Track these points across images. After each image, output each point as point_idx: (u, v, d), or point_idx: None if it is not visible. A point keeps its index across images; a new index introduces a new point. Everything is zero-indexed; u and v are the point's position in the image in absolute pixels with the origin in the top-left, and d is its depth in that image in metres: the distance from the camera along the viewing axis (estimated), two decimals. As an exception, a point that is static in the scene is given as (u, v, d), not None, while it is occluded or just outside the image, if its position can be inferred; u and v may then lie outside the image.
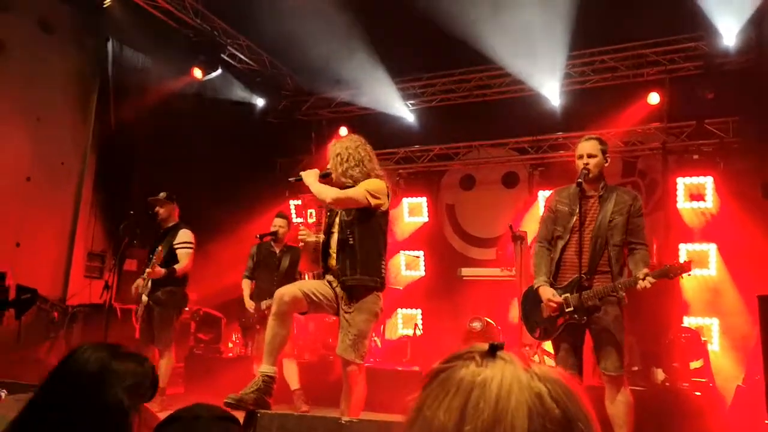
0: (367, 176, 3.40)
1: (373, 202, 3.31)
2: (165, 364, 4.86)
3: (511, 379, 0.61)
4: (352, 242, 3.31)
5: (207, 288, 6.75)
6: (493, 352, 0.65)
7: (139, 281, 4.97)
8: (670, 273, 3.16)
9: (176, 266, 4.86)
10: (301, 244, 3.52)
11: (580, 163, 3.43)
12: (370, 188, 3.31)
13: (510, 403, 0.59)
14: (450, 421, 0.60)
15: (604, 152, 3.44)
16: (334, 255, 3.40)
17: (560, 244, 3.43)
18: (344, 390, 3.33)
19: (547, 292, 3.37)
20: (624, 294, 3.30)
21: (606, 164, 3.46)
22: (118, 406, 1.29)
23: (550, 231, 3.52)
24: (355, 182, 3.38)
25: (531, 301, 3.53)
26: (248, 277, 5.47)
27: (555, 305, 3.33)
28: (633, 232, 3.33)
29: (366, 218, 3.34)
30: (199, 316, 6.55)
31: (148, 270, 4.77)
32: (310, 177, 3.40)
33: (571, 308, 3.31)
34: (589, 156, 3.40)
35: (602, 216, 3.34)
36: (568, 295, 3.33)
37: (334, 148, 3.52)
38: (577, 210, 3.39)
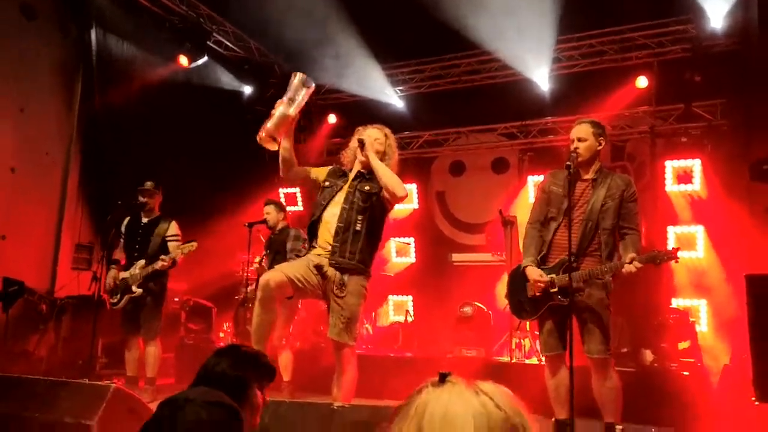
0: None
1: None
2: (152, 354, 4.83)
3: (457, 395, 0.73)
4: (359, 228, 3.31)
5: (197, 278, 6.73)
6: (442, 379, 0.76)
7: (114, 272, 4.92)
8: (656, 259, 3.16)
9: (174, 257, 4.82)
10: (274, 112, 3.35)
11: (572, 147, 3.43)
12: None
13: (457, 412, 0.70)
14: None
15: (597, 135, 3.41)
16: (330, 230, 3.36)
17: (553, 225, 3.44)
18: (337, 373, 3.34)
19: (534, 272, 3.38)
20: (611, 279, 3.31)
21: (599, 147, 3.43)
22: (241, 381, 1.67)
23: (542, 212, 3.52)
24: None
25: (517, 280, 3.54)
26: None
27: (542, 284, 3.33)
28: (625, 217, 3.34)
29: (380, 210, 3.39)
30: (189, 306, 6.53)
31: (162, 263, 4.70)
32: (373, 152, 3.36)
33: (556, 289, 3.31)
34: (579, 140, 3.40)
35: (594, 200, 3.35)
36: (554, 275, 3.34)
37: (384, 137, 3.50)
38: (570, 192, 3.40)
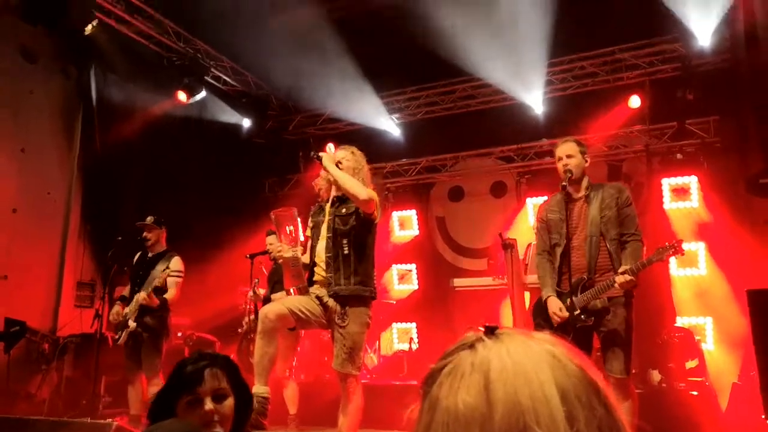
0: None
1: (376, 212, 3.38)
2: (154, 391, 4.76)
3: (522, 345, 0.62)
4: (347, 252, 3.31)
5: (199, 311, 6.70)
6: (491, 332, 0.65)
7: (117, 308, 4.89)
8: (663, 255, 3.16)
9: (166, 296, 4.80)
10: (280, 260, 3.50)
11: (560, 166, 3.47)
12: (375, 198, 3.37)
13: (529, 363, 0.59)
14: (476, 397, 0.59)
15: (582, 153, 3.48)
16: (323, 265, 3.39)
17: (558, 251, 3.44)
18: (342, 403, 3.31)
19: (554, 305, 3.36)
20: (630, 291, 3.27)
21: (586, 165, 3.50)
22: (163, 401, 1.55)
23: (545, 241, 3.55)
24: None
25: (541, 312, 3.52)
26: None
27: (559, 320, 3.32)
28: (624, 224, 3.34)
29: (362, 228, 3.38)
30: (192, 341, 6.49)
31: (143, 296, 4.69)
32: (331, 163, 3.37)
33: (578, 311, 3.29)
34: (568, 157, 3.45)
35: (592, 214, 3.37)
36: (573, 298, 3.32)
37: (351, 154, 3.51)
38: (566, 215, 3.42)
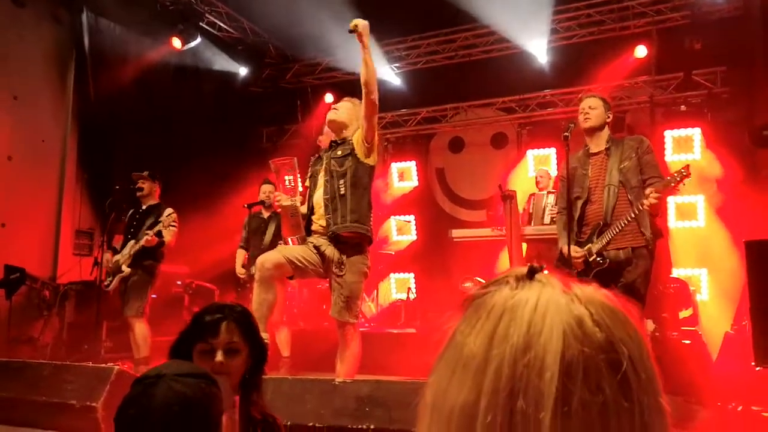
0: None
1: (374, 143, 3.34)
2: (139, 333, 4.71)
3: (546, 302, 0.56)
4: (343, 192, 3.31)
5: (198, 260, 6.74)
6: (531, 274, 0.60)
7: (108, 256, 4.89)
8: (671, 183, 3.21)
9: (165, 240, 4.81)
10: (278, 209, 3.51)
11: (581, 118, 3.50)
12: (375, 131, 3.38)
13: (543, 327, 0.54)
14: (479, 347, 0.56)
15: (605, 108, 3.51)
16: (321, 212, 3.38)
17: (579, 203, 3.50)
18: (340, 350, 3.37)
19: (570, 249, 3.45)
20: (650, 234, 3.31)
21: (609, 120, 3.52)
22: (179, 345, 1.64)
23: (565, 198, 3.59)
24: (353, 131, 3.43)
25: (563, 262, 3.57)
26: (243, 248, 5.51)
27: (579, 258, 3.41)
28: (646, 170, 3.38)
29: (358, 170, 3.36)
30: (192, 289, 6.55)
31: (147, 238, 4.69)
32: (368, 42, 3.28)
33: (594, 255, 3.37)
34: (591, 108, 3.47)
35: (611, 165, 3.41)
36: (590, 245, 3.39)
37: (352, 105, 3.51)
38: (589, 169, 3.47)
